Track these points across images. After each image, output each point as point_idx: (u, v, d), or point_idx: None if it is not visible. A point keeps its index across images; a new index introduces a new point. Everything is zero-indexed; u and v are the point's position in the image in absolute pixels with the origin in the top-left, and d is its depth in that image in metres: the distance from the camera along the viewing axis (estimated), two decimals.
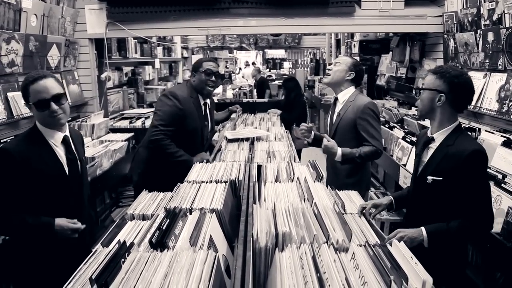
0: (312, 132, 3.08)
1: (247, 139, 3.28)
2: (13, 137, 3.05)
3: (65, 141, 2.14)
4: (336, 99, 3.04)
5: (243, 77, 13.75)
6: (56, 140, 2.10)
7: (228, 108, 4.34)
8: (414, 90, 2.07)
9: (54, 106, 2.01)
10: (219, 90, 8.97)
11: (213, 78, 3.16)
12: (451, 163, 1.91)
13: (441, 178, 1.96)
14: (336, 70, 2.94)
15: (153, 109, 3.79)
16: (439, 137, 2.02)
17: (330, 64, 3.07)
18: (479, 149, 1.89)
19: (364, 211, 1.94)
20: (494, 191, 2.41)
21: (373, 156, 2.86)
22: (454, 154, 1.91)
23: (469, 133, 3.14)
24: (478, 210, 1.89)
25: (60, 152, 2.12)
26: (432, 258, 1.82)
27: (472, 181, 1.88)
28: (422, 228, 1.91)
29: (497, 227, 2.28)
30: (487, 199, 1.91)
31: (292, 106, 5.58)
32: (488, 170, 2.64)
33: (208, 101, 3.32)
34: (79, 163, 2.23)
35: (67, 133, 2.17)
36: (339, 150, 2.76)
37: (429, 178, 2.00)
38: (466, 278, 2.39)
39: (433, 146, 2.05)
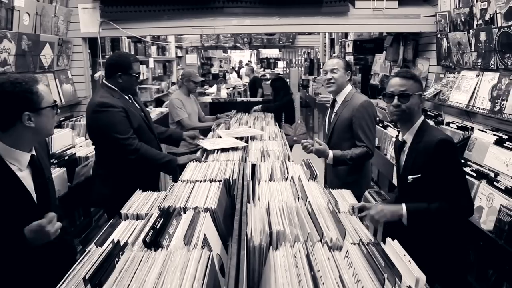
0: (316, 144, 3.10)
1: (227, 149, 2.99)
2: None
3: (32, 163, 1.78)
4: (334, 100, 3.07)
5: (240, 76, 13.79)
6: (21, 163, 1.73)
7: (217, 115, 4.49)
8: (398, 97, 2.05)
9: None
10: (213, 89, 8.96)
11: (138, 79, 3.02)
12: (423, 157, 2.00)
13: (419, 175, 2.03)
14: (338, 77, 2.96)
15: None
16: (408, 138, 2.11)
17: (324, 71, 3.07)
18: (445, 138, 1.98)
19: (352, 209, 1.96)
20: (487, 189, 2.43)
21: (364, 158, 2.88)
22: (423, 149, 2.00)
23: (462, 131, 3.17)
24: (456, 194, 1.96)
25: (27, 178, 1.75)
26: (430, 257, 1.85)
27: (445, 168, 1.95)
28: (403, 204, 1.99)
29: (489, 224, 2.31)
30: (463, 184, 2.00)
31: (280, 104, 5.79)
32: (480, 168, 2.67)
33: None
34: (48, 183, 1.90)
35: (33, 151, 1.81)
36: (331, 153, 2.80)
37: (409, 177, 2.07)
38: (463, 278, 2.41)
39: (406, 148, 2.14)
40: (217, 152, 2.87)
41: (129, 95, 2.92)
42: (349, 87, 3.01)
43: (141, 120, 2.88)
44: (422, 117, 2.12)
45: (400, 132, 2.22)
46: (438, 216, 1.98)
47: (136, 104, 2.96)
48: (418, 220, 1.98)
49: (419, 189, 2.05)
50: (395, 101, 2.05)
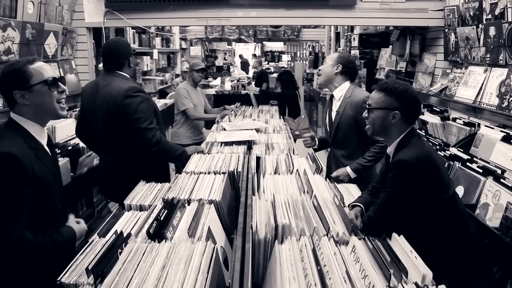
0: (316, 139, 3.07)
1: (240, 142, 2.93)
2: None
3: (49, 139, 1.86)
4: (332, 96, 2.99)
5: (244, 69, 13.84)
6: (43, 139, 1.79)
7: (224, 106, 4.48)
8: (367, 110, 1.99)
9: (62, 86, 1.77)
10: (217, 82, 8.92)
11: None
12: (389, 173, 1.90)
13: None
14: (324, 67, 2.92)
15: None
16: (391, 150, 2.00)
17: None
18: (404, 159, 1.83)
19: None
20: (493, 186, 2.40)
21: (381, 153, 2.80)
22: (391, 164, 1.90)
23: (469, 127, 3.14)
24: (378, 208, 1.86)
25: (49, 153, 1.83)
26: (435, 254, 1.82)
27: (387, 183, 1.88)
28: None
29: (495, 222, 2.29)
30: (386, 205, 1.87)
31: (281, 94, 5.83)
32: (487, 165, 2.64)
33: None
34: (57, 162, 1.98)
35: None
36: (349, 170, 2.77)
37: (382, 191, 1.98)
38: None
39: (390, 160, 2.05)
40: (221, 145, 2.85)
41: None
42: (347, 84, 2.91)
43: (159, 117, 2.80)
44: (406, 133, 1.96)
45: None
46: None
47: None
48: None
49: None
50: (364, 113, 2.02)
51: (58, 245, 1.71)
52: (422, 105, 2.00)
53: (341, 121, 2.87)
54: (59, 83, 1.75)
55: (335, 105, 2.94)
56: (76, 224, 1.89)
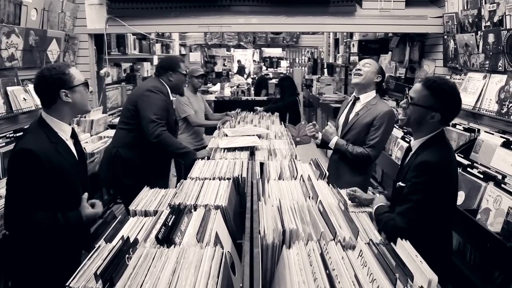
0: (320, 133, 3.10)
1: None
2: (12, 132, 3.04)
3: (73, 134, 2.19)
4: (357, 98, 3.02)
5: (246, 74, 13.90)
6: (66, 133, 2.11)
7: (226, 113, 4.54)
8: (407, 100, 1.95)
9: (90, 87, 2.16)
10: (216, 88, 8.96)
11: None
12: (411, 172, 1.88)
13: (404, 185, 1.93)
14: (368, 71, 2.93)
15: None
16: (416, 145, 1.99)
17: (345, 65, 3.11)
18: (429, 160, 1.82)
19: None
20: (494, 191, 2.43)
21: (362, 160, 2.88)
22: (415, 164, 1.87)
23: (468, 133, 3.17)
24: (405, 209, 1.86)
25: (71, 146, 2.13)
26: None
27: (411, 185, 1.85)
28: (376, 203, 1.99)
29: (497, 226, 2.31)
30: (419, 207, 1.84)
31: (283, 105, 5.79)
32: (488, 170, 2.67)
33: None
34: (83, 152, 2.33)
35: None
36: (334, 139, 2.94)
37: (398, 184, 2.00)
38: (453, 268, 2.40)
39: (410, 154, 2.04)
40: (223, 151, 2.87)
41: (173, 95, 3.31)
42: (374, 93, 2.97)
43: (172, 120, 3.26)
44: (436, 133, 1.95)
45: (413, 136, 2.17)
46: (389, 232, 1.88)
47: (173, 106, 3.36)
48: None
49: (400, 198, 1.98)
50: (403, 102, 1.98)
51: (60, 225, 1.98)
52: None
53: (357, 123, 2.92)
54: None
55: (358, 107, 2.99)
56: (87, 208, 2.11)
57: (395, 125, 4.06)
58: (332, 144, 2.95)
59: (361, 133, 2.90)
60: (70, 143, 2.13)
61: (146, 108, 3.03)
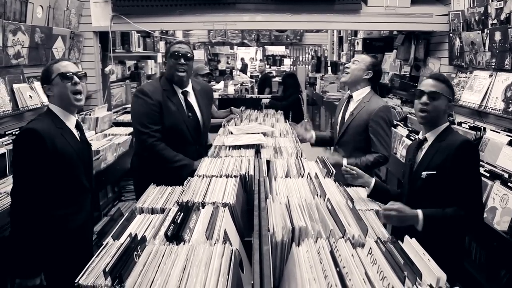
0: (313, 133, 3.09)
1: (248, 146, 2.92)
2: (18, 129, 3.04)
3: (78, 125, 2.25)
4: (350, 96, 3.01)
5: (243, 72, 13.86)
6: (71, 123, 2.18)
7: (231, 108, 4.24)
8: (428, 96, 2.04)
9: (76, 79, 2.11)
10: (220, 85, 8.94)
11: (182, 60, 2.74)
12: (443, 155, 2.00)
13: (434, 172, 2.02)
14: (354, 68, 2.92)
15: None
16: (431, 136, 2.11)
17: (347, 63, 3.05)
18: (469, 140, 2.05)
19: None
20: (501, 190, 2.42)
21: (378, 165, 2.88)
22: (445, 147, 2.00)
23: (474, 132, 3.16)
24: (470, 199, 1.95)
25: (75, 135, 2.20)
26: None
27: (462, 171, 1.95)
28: (419, 210, 1.95)
29: (503, 225, 2.30)
30: (478, 189, 2.00)
31: (287, 104, 5.80)
32: (494, 169, 2.66)
33: (190, 89, 2.96)
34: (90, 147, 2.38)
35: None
36: (344, 161, 2.78)
37: (424, 173, 2.06)
38: (464, 271, 2.42)
39: (426, 146, 2.14)
40: (228, 149, 2.86)
41: (185, 90, 2.90)
42: (367, 89, 2.95)
43: (181, 120, 2.82)
44: (448, 123, 2.11)
45: (421, 132, 2.20)
46: (453, 223, 1.95)
47: (195, 102, 2.96)
48: (432, 227, 1.94)
49: (431, 186, 2.04)
50: (424, 98, 2.04)
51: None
52: None
53: (353, 123, 2.91)
54: (74, 76, 2.11)
55: (352, 106, 2.98)
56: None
57: (399, 123, 4.06)
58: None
59: (358, 132, 2.88)
60: (75, 132, 2.20)
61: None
